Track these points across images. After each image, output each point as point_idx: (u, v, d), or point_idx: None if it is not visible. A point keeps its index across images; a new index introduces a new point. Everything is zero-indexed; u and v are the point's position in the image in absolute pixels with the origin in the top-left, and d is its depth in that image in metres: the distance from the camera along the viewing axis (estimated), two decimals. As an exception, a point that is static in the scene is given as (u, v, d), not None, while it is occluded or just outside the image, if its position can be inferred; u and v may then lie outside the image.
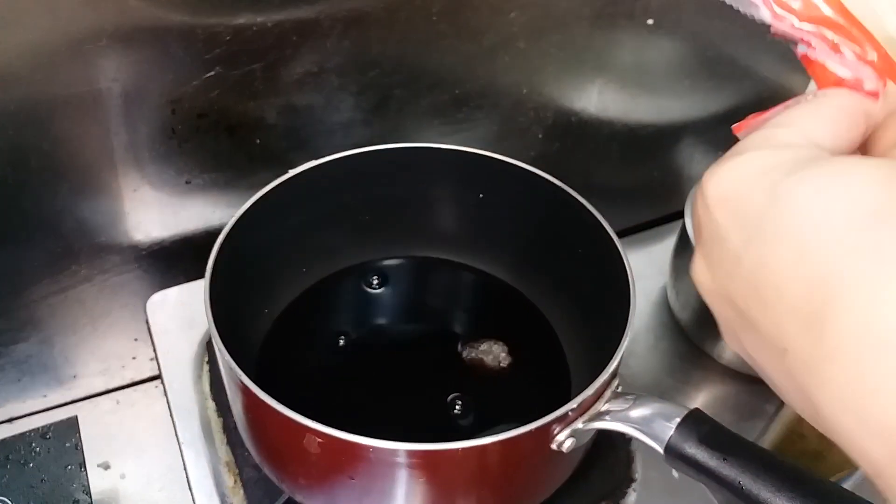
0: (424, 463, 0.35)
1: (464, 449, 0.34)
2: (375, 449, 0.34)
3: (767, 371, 0.23)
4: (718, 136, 0.78)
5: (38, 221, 0.52)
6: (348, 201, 0.52)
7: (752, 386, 0.69)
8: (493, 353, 0.50)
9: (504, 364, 0.50)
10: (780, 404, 0.58)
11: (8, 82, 0.45)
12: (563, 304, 0.52)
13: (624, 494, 0.49)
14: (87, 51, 0.46)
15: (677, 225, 0.69)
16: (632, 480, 0.50)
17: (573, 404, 0.35)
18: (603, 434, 0.51)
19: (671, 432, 0.33)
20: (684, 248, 0.68)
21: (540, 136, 0.68)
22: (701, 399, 0.71)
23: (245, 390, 0.36)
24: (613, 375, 0.38)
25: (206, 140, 0.54)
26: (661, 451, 0.34)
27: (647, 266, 0.79)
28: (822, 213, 0.19)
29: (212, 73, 0.51)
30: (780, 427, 0.58)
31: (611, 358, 0.37)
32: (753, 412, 0.67)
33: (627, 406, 0.36)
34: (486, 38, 0.59)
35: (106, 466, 0.60)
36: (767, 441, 0.59)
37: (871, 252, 0.18)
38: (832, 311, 0.19)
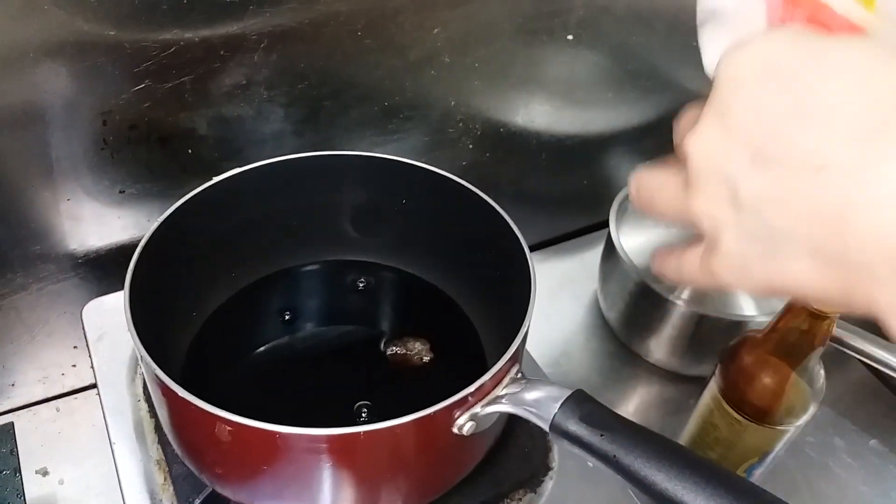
0: (330, 448, 0.37)
1: (366, 432, 0.36)
2: (282, 435, 0.36)
3: (783, 200, 0.24)
4: (643, 146, 0.82)
5: (-29, 231, 0.54)
6: (274, 207, 0.54)
7: (676, 383, 0.72)
8: (416, 350, 0.53)
9: (426, 359, 0.53)
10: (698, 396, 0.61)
11: (-62, 95, 0.47)
12: (480, 300, 0.54)
13: (540, 482, 0.52)
14: (16, 63, 0.48)
15: (605, 232, 0.72)
16: (549, 469, 0.53)
17: (471, 388, 0.38)
18: (521, 424, 0.53)
19: (555, 412, 0.36)
20: (611, 253, 0.71)
21: (470, 146, 0.71)
22: (629, 396, 0.74)
23: (160, 384, 0.38)
24: (512, 363, 0.40)
25: (138, 151, 0.56)
26: (546, 429, 0.36)
27: (579, 271, 0.83)
28: (882, 50, 0.22)
29: (141, 85, 0.53)
30: (697, 419, 0.61)
31: (509, 346, 0.40)
32: (678, 407, 0.70)
33: (520, 389, 0.39)
34: (412, 53, 0.62)
35: (44, 473, 0.61)
36: (686, 432, 0.62)
37: None
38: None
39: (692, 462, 0.33)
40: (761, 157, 0.24)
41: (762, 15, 0.29)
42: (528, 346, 0.58)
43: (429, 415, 0.37)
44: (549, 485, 0.52)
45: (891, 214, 0.20)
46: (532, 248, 0.82)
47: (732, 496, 0.31)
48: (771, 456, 0.58)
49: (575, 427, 0.35)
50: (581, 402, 0.36)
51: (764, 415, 0.55)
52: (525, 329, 0.41)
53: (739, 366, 0.56)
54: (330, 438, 0.36)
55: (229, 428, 0.36)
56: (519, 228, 0.48)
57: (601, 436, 0.34)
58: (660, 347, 0.72)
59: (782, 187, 0.23)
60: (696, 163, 0.26)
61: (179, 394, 0.36)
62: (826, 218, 0.22)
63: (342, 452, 0.37)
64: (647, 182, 0.30)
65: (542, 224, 0.83)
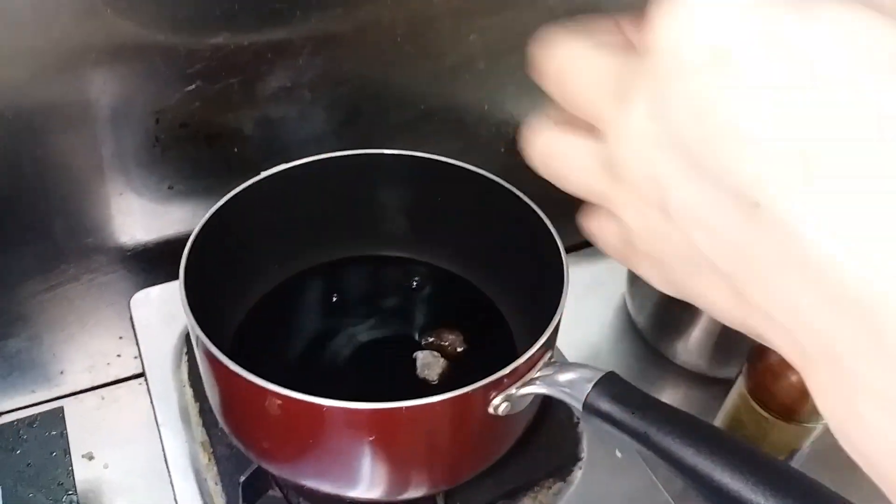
0: (372, 422, 0.39)
1: (408, 408, 0.38)
2: (328, 409, 0.38)
3: (712, 227, 0.19)
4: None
5: (30, 222, 0.57)
6: (316, 203, 0.57)
7: (703, 384, 0.73)
8: (450, 341, 0.55)
9: (459, 350, 0.54)
10: (724, 397, 0.62)
11: (5, 91, 0.50)
12: (512, 296, 0.56)
13: (570, 472, 0.53)
14: (78, 64, 0.51)
15: (634, 235, 0.74)
16: (578, 459, 0.54)
17: (507, 370, 0.40)
18: (552, 415, 0.55)
19: (588, 391, 0.37)
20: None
21: (502, 150, 0.73)
22: (657, 397, 0.76)
23: (214, 361, 0.40)
24: (547, 348, 0.42)
25: (187, 148, 0.59)
26: (580, 408, 0.38)
27: (608, 275, 0.84)
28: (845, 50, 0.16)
29: (192, 86, 0.56)
30: (724, 417, 0.62)
31: (543, 332, 0.42)
32: (705, 408, 0.71)
33: (553, 372, 0.40)
34: (448, 59, 0.64)
35: (90, 457, 0.64)
36: (712, 431, 0.63)
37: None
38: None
39: (724, 440, 0.34)
40: (696, 168, 0.19)
41: None
42: (558, 346, 0.59)
43: (466, 393, 0.39)
44: (577, 474, 0.53)
45: (848, 252, 0.16)
46: (561, 252, 0.84)
47: (763, 474, 0.33)
48: (799, 454, 0.59)
49: (607, 406, 0.37)
50: (613, 383, 0.38)
51: (791, 412, 0.56)
52: (559, 317, 0.43)
53: (767, 364, 0.57)
54: (373, 413, 0.38)
55: (279, 401, 0.38)
56: (550, 230, 0.50)
57: (633, 413, 0.36)
58: (687, 349, 0.73)
59: (713, 212, 0.19)
60: (622, 151, 0.20)
61: (233, 368, 0.39)
62: (752, 266, 0.18)
63: (383, 427, 0.39)
64: (556, 146, 0.23)
65: (571, 228, 0.84)
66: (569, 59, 0.22)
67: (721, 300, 0.21)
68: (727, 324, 0.21)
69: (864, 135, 0.16)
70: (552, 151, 0.24)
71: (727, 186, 0.18)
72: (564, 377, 0.40)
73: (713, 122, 0.18)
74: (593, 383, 0.38)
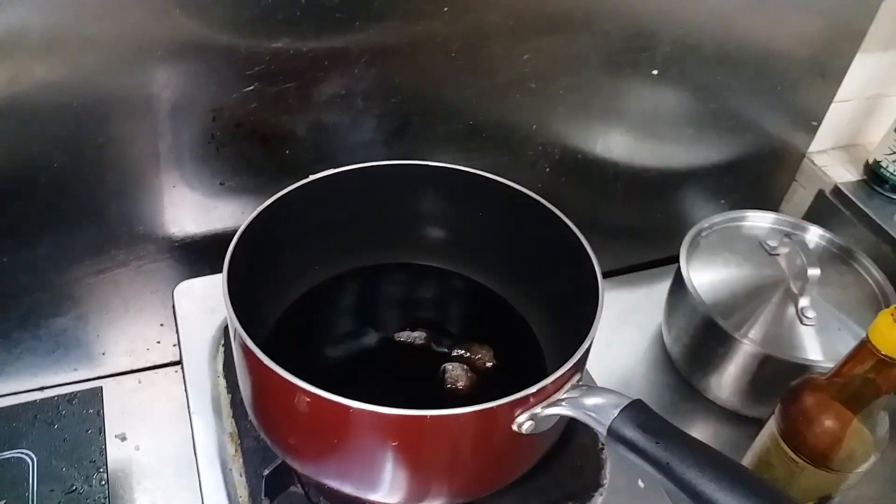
0: (397, 428, 0.39)
1: (432, 417, 0.38)
2: (355, 410, 0.38)
3: None
4: (720, 185, 0.82)
5: (86, 206, 0.59)
6: (360, 209, 0.58)
7: (734, 422, 0.72)
8: (480, 355, 0.55)
9: (489, 365, 0.55)
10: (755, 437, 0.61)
11: (73, 80, 0.52)
12: (546, 315, 0.56)
13: (590, 497, 0.53)
14: (144, 59, 0.53)
15: (674, 267, 0.73)
16: (600, 485, 0.54)
17: (534, 389, 0.40)
18: (575, 439, 0.55)
19: (614, 417, 0.37)
20: (679, 288, 0.72)
21: (547, 169, 0.73)
22: (686, 430, 0.75)
23: (249, 354, 0.41)
24: (576, 370, 0.42)
25: (241, 147, 0.60)
26: (604, 433, 0.38)
27: (645, 303, 0.83)
28: None
29: (251, 87, 0.57)
30: (753, 457, 0.61)
31: (574, 354, 0.42)
32: (735, 446, 0.69)
33: (580, 395, 0.40)
34: (500, 76, 0.65)
35: (123, 438, 0.66)
36: (739, 470, 0.62)
37: None
38: None
39: (744, 476, 0.34)
40: None
41: None
42: (589, 371, 0.59)
43: (491, 408, 0.39)
44: (598, 501, 0.53)
45: None
46: (600, 276, 0.84)
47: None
48: (830, 502, 0.57)
49: (632, 433, 0.37)
50: (639, 411, 0.38)
51: (822, 458, 0.54)
52: (590, 340, 0.43)
53: (800, 407, 0.56)
54: (398, 419, 0.38)
55: (308, 399, 0.39)
56: (589, 253, 0.50)
57: (657, 443, 0.36)
58: (721, 385, 0.72)
59: None
60: None
61: (266, 363, 0.40)
62: None
63: (407, 434, 0.40)
64: None
65: (611, 253, 0.84)
66: None
67: None
68: None
69: None
70: None
71: None
72: (591, 401, 0.40)
73: None
74: (619, 409, 0.38)
